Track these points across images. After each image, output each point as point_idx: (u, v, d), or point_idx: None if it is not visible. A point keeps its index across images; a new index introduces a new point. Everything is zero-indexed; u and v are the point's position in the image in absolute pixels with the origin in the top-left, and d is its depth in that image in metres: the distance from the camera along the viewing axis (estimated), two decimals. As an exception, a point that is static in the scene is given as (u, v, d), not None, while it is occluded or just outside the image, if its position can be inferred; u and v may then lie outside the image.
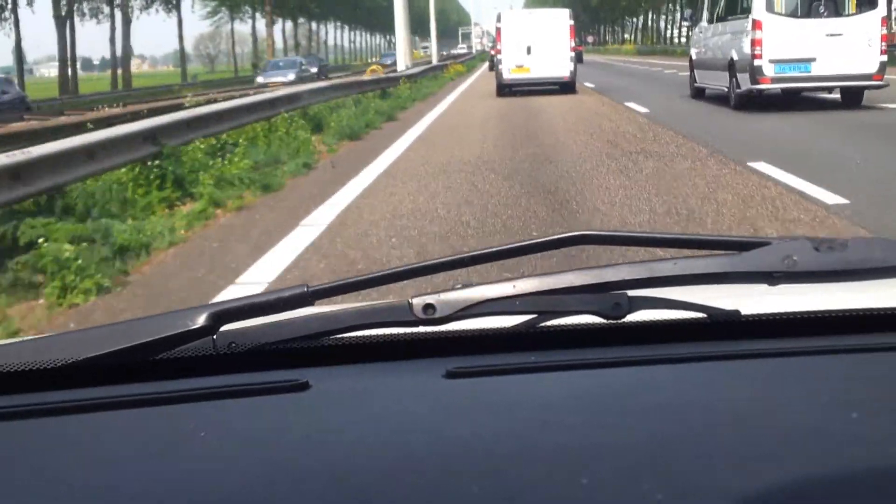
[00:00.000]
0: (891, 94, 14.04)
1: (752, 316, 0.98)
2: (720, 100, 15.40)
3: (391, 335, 0.95)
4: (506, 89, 21.78)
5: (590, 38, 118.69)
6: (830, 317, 1.00)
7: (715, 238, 0.96)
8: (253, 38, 76.16)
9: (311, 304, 0.91)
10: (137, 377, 0.89)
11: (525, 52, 21.50)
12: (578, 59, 23.23)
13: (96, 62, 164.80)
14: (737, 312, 0.97)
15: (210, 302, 0.93)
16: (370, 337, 0.94)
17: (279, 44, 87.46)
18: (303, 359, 0.93)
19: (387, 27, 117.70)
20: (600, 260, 3.92)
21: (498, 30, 22.35)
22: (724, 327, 0.97)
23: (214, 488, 0.73)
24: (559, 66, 21.48)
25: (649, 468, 0.71)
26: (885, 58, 13.37)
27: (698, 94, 17.27)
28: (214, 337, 0.90)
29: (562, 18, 22.11)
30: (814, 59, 13.30)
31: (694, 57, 17.67)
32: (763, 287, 0.91)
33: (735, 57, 14.11)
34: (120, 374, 0.89)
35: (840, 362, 0.94)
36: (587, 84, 24.62)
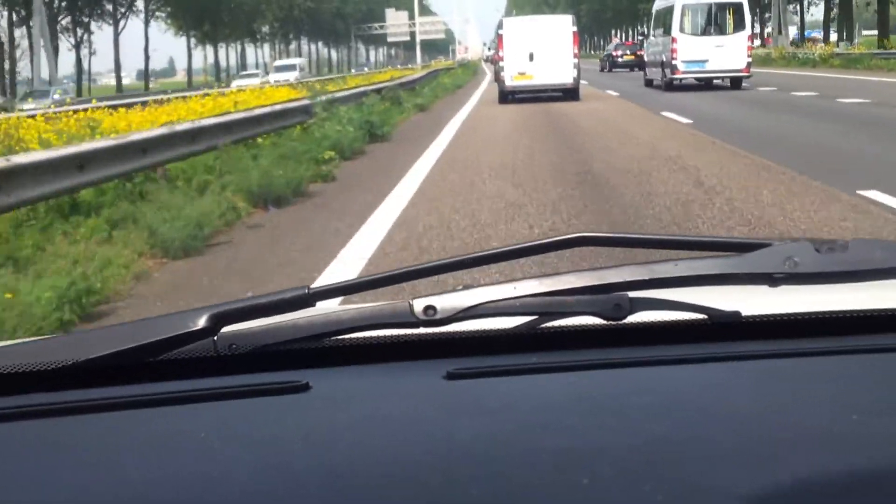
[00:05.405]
0: (756, 81, 25.05)
1: (753, 317, 0.98)
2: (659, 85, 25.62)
3: (392, 336, 0.94)
4: (509, 96, 22.50)
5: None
6: (831, 318, 1.00)
7: (716, 239, 0.96)
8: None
9: (311, 305, 0.90)
10: (138, 378, 0.89)
11: (527, 58, 21.82)
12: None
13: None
14: (737, 314, 0.96)
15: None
16: (371, 338, 0.94)
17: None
18: (303, 360, 0.93)
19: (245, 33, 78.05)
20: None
21: (500, 37, 22.98)
22: (725, 328, 0.97)
23: (215, 489, 0.73)
24: (562, 72, 21.81)
25: (650, 469, 0.71)
26: (750, 59, 24.15)
27: (648, 83, 27.30)
28: (215, 338, 0.89)
29: (564, 25, 22.48)
30: (707, 60, 23.65)
31: (646, 58, 29.54)
32: (764, 288, 0.90)
33: (664, 59, 24.77)
34: (121, 376, 0.89)
35: (841, 363, 0.94)
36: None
